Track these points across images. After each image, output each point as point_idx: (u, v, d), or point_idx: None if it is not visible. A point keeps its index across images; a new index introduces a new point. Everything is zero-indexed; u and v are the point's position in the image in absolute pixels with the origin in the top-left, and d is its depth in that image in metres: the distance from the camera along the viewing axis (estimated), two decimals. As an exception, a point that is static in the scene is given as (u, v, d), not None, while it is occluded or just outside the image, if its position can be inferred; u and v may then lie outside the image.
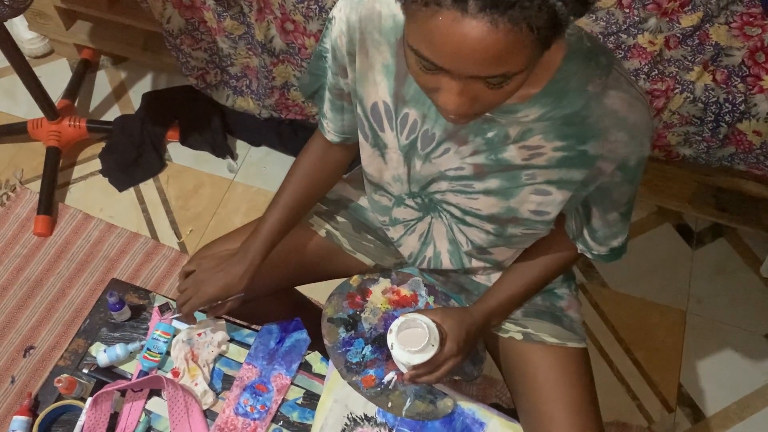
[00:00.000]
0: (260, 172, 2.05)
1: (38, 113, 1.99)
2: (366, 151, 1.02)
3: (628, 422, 1.68)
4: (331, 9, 1.11)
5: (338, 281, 1.22)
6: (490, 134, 0.87)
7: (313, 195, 1.14)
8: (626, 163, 0.87)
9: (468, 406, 1.12)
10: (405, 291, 1.18)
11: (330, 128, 1.06)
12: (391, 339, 1.01)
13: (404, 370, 1.04)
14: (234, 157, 2.07)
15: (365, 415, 1.12)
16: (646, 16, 1.51)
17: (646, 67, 1.47)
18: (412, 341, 0.99)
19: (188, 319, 1.12)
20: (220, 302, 1.09)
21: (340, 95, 1.00)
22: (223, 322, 1.19)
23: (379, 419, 1.12)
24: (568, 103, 0.82)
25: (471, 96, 0.69)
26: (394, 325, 1.01)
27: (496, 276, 1.14)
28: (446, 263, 1.12)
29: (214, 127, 2.06)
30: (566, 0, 0.61)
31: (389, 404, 1.10)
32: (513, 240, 1.02)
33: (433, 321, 1.01)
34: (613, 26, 1.50)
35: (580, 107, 0.82)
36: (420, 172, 0.97)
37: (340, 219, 1.22)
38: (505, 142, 0.87)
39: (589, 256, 1.05)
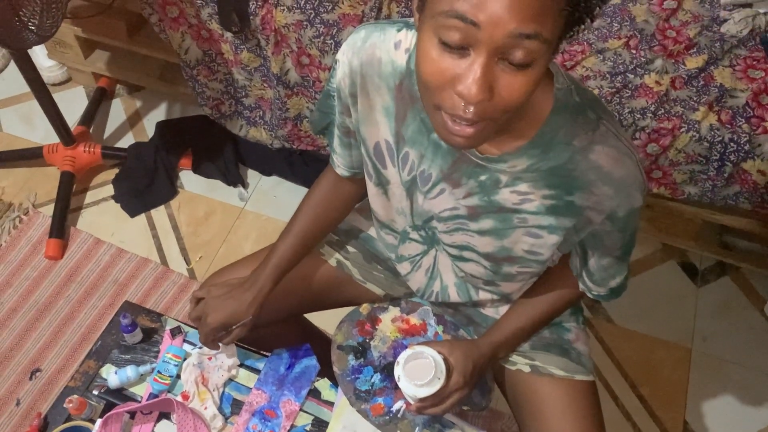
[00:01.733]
0: (270, 201, 2.07)
1: (54, 138, 2.03)
2: (371, 190, 1.05)
3: (633, 459, 1.67)
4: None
5: (347, 309, 1.23)
6: (482, 177, 0.89)
7: (324, 226, 1.16)
8: (615, 215, 0.88)
9: (475, 437, 1.13)
10: (414, 320, 1.20)
11: (340, 163, 1.09)
12: (398, 371, 1.02)
13: (411, 401, 1.04)
14: (245, 185, 2.10)
15: (373, 443, 1.12)
16: (653, 58, 1.56)
17: (653, 106, 1.50)
18: (419, 373, 1.00)
19: (212, 346, 1.13)
20: (228, 329, 1.10)
21: (347, 133, 1.03)
22: (234, 346, 1.20)
23: (387, 448, 1.12)
24: (554, 156, 0.84)
25: (491, 82, 0.67)
26: (401, 358, 1.02)
27: (504, 309, 1.15)
28: (454, 296, 1.13)
29: (227, 156, 2.09)
30: None
31: (397, 432, 1.10)
32: (508, 278, 1.04)
33: (440, 353, 1.02)
34: (621, 66, 1.54)
35: (566, 161, 0.83)
36: (422, 206, 0.99)
37: (350, 249, 1.23)
38: (497, 185, 0.89)
39: (589, 295, 1.07)
